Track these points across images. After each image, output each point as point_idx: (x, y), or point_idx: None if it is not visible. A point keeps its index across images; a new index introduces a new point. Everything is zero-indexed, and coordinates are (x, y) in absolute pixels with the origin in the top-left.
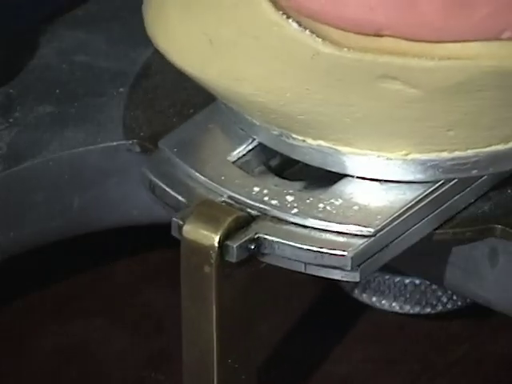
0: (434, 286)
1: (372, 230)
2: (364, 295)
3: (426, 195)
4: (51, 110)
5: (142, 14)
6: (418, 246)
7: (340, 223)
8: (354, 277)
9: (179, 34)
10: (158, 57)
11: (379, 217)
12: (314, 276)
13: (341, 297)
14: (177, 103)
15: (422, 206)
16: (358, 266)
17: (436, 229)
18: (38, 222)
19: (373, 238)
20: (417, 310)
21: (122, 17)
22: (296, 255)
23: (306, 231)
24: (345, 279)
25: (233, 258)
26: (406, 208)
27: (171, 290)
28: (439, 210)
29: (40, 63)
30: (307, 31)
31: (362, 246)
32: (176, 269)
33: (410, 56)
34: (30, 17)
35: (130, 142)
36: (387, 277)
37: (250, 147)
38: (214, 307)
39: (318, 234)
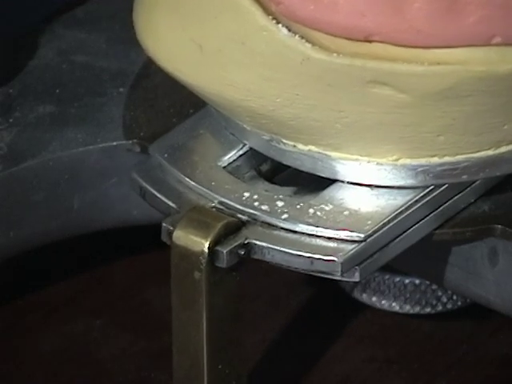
0: (434, 286)
1: (362, 235)
2: (364, 295)
3: (417, 200)
4: (51, 110)
5: None
6: (418, 246)
7: (330, 228)
8: (354, 276)
9: (169, 40)
10: None
11: (369, 222)
12: (314, 276)
13: (341, 297)
14: (177, 103)
15: (413, 210)
16: (354, 269)
17: (436, 229)
18: (38, 222)
19: (363, 244)
20: (417, 309)
21: (121, 17)
22: (286, 261)
23: (296, 237)
24: (345, 279)
25: (223, 263)
26: (396, 213)
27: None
28: (430, 215)
29: (40, 63)
30: (297, 36)
31: (352, 252)
32: None
33: (399, 61)
34: (30, 17)
35: (130, 142)
36: (387, 277)
37: (241, 152)
38: (204, 313)
39: (308, 240)
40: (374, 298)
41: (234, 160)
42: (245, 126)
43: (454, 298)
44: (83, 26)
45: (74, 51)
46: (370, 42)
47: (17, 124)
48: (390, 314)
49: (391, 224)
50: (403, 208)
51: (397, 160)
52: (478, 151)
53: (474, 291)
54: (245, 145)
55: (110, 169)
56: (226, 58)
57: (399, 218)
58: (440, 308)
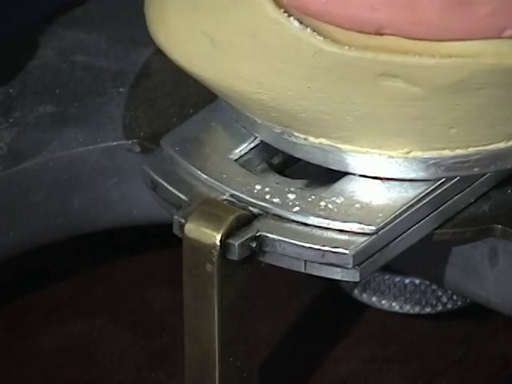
0: (433, 286)
1: (374, 227)
2: (364, 295)
3: (428, 193)
4: (51, 110)
5: (142, 14)
6: (418, 246)
7: (342, 221)
8: (354, 276)
9: (180, 32)
10: (158, 57)
11: (381, 215)
12: (314, 276)
13: (341, 297)
14: (177, 103)
15: (424, 203)
16: (359, 264)
17: (436, 229)
18: (38, 222)
19: (374, 236)
20: (417, 309)
21: (122, 17)
22: (297, 253)
23: (307, 229)
24: (345, 279)
25: (234, 256)
26: (407, 206)
27: (171, 289)
28: (441, 208)
29: (40, 63)
30: (308, 29)
31: (363, 244)
32: (176, 268)
33: (410, 54)
34: (30, 17)
35: (130, 141)
36: (387, 277)
37: (252, 145)
38: (216, 305)
39: (319, 232)
40: (374, 298)
41: (246, 153)
42: (256, 118)
43: (454, 297)
44: (83, 26)
45: (73, 51)
46: (382, 34)
47: (17, 124)
48: (390, 313)
49: (402, 217)
50: (414, 201)
51: (408, 153)
52: (490, 144)
53: (473, 291)
54: (256, 138)
55: (110, 169)
56: (237, 50)
57: (411, 211)
58: (440, 308)
